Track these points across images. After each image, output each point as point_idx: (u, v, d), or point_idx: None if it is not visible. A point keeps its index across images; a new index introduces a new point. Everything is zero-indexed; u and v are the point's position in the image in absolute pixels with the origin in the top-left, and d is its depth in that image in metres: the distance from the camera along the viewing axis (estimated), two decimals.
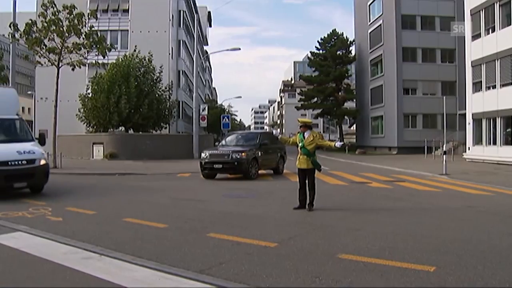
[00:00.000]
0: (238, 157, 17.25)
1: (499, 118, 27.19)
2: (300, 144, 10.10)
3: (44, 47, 22.58)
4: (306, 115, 74.13)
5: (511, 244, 6.89)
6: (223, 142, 20.55)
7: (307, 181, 9.97)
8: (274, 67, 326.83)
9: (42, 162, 12.34)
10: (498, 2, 27.05)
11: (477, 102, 29.46)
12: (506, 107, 26.14)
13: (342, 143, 10.45)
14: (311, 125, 10.46)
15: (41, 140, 13.73)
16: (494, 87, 27.69)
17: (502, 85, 26.82)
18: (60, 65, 23.15)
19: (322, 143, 10.41)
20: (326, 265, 5.62)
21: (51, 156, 22.88)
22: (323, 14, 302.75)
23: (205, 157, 18.00)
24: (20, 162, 11.68)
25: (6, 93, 14.59)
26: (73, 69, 23.61)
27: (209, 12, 76.76)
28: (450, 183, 16.81)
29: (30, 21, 22.54)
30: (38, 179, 12.28)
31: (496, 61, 27.25)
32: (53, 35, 22.43)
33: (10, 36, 23.35)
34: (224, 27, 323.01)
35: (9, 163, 11.42)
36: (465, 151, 31.48)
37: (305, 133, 10.14)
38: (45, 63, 23.39)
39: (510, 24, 26.05)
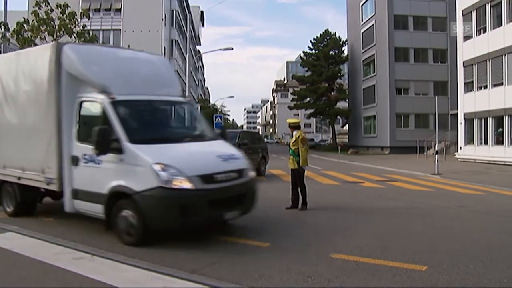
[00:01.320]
0: None
1: (491, 118, 27.36)
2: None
3: (35, 46, 22.46)
4: (298, 115, 74.32)
5: (502, 243, 6.93)
6: None
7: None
8: (267, 67, 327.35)
9: (251, 174, 7.82)
10: (489, 3, 27.22)
11: (469, 102, 29.63)
12: (497, 107, 26.30)
13: (306, 167, 10.21)
14: (297, 125, 10.52)
15: (225, 136, 8.82)
16: (485, 87, 27.86)
17: (494, 85, 26.98)
18: None
19: (300, 149, 10.04)
20: (318, 265, 5.63)
21: None
22: (316, 14, 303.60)
23: None
24: (229, 176, 7.15)
25: (159, 63, 9.38)
26: None
27: (202, 12, 76.69)
28: (442, 182, 16.88)
29: (22, 19, 22.43)
30: (250, 203, 7.64)
31: (488, 61, 27.42)
32: (45, 34, 22.30)
33: (0, 35, 23.07)
34: (217, 27, 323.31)
35: (215, 177, 6.87)
36: (457, 151, 31.64)
37: (294, 133, 10.28)
38: None
39: (501, 25, 26.21)
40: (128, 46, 36.53)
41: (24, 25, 22.31)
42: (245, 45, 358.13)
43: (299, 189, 10.04)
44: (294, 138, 10.17)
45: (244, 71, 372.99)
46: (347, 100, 57.70)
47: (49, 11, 22.11)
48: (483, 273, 5.30)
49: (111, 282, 4.97)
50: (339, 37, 56.70)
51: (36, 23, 21.97)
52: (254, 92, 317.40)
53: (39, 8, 22.04)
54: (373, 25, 48.34)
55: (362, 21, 51.71)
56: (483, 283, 5.02)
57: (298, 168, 10.00)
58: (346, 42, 56.81)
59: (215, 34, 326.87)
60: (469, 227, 8.29)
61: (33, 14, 22.21)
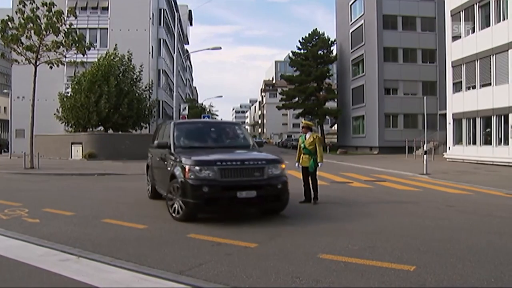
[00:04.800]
0: None
1: (479, 118, 27.60)
2: (302, 145, 11.27)
3: (21, 44, 22.21)
4: (287, 114, 74.38)
5: (490, 242, 6.96)
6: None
7: (310, 178, 11.07)
8: (256, 67, 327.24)
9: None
10: (477, 3, 27.43)
11: (457, 102, 29.86)
12: (485, 107, 26.54)
13: (321, 164, 11.12)
14: (312, 127, 11.71)
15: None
16: (474, 87, 28.11)
17: (482, 86, 27.23)
18: (37, 64, 22.80)
19: (318, 148, 11.07)
20: (306, 265, 5.60)
21: (28, 156, 22.52)
22: (305, 13, 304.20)
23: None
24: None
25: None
26: (51, 68, 23.29)
27: (190, 11, 76.61)
28: (430, 182, 16.97)
29: (7, 17, 22.16)
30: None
31: (476, 61, 27.67)
32: (30, 33, 22.07)
33: None
34: (206, 26, 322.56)
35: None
36: (446, 151, 31.89)
37: (306, 135, 11.27)
38: (22, 61, 22.98)
39: (489, 25, 26.43)
40: (115, 45, 36.58)
41: (9, 23, 22.04)
42: (234, 44, 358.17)
43: (311, 185, 11.06)
44: (311, 139, 11.12)
45: (234, 71, 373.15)
46: (335, 100, 57.95)
47: (35, 9, 21.84)
48: (471, 273, 5.30)
49: (97, 283, 4.90)
50: (328, 36, 56.91)
51: (22, 21, 21.70)
52: (243, 91, 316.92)
53: (23, 6, 21.77)
54: (362, 25, 48.59)
55: (351, 20, 51.95)
56: (470, 282, 5.02)
57: (315, 165, 10.96)
58: (335, 42, 57.03)
59: (204, 33, 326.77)
60: (457, 227, 8.32)
61: (17, 13, 21.92)
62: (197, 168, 8.19)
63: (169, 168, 9.17)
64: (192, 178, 8.16)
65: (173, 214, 8.56)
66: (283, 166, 8.93)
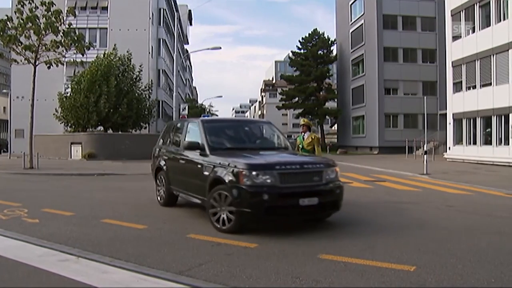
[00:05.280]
0: None
1: (479, 118, 27.59)
2: (300, 145, 11.12)
3: (20, 44, 22.18)
4: (287, 114, 74.36)
5: (490, 242, 6.95)
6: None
7: None
8: (256, 66, 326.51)
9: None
10: (478, 3, 27.43)
11: (458, 102, 29.85)
12: (485, 107, 26.53)
13: None
14: (311, 126, 11.57)
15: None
16: (474, 87, 28.09)
17: (482, 85, 27.21)
18: (37, 64, 22.77)
19: (316, 148, 11.03)
20: (306, 266, 5.60)
21: (28, 156, 22.50)
22: (305, 13, 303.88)
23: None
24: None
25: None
26: (49, 67, 23.21)
27: (190, 11, 76.59)
28: (430, 182, 16.95)
29: (6, 17, 22.13)
30: None
31: (476, 61, 27.65)
32: (30, 33, 22.04)
33: None
34: (206, 26, 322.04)
35: None
36: (446, 151, 31.87)
37: (305, 134, 11.16)
38: (21, 61, 22.96)
39: (489, 25, 26.42)
40: (115, 45, 36.55)
41: (8, 22, 22.01)
42: (234, 44, 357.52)
43: None
44: (310, 139, 10.99)
45: (234, 71, 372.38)
46: (335, 100, 57.92)
47: (34, 9, 21.81)
48: (471, 273, 5.30)
49: (96, 284, 4.89)
50: (328, 36, 56.89)
51: (21, 21, 21.67)
52: (243, 91, 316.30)
53: (22, 5, 21.74)
54: (362, 24, 48.57)
55: (351, 20, 51.94)
56: (471, 282, 5.02)
57: None
58: (335, 42, 57.00)
59: (204, 33, 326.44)
60: (457, 227, 8.30)
61: (16, 12, 21.89)
62: (254, 173, 7.27)
63: (206, 173, 8.12)
64: (249, 185, 7.24)
65: (218, 225, 7.61)
66: (338, 169, 8.29)
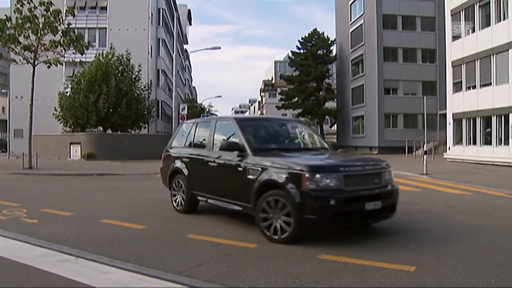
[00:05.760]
0: None
1: (479, 118, 27.59)
2: None
3: (19, 44, 22.15)
4: (287, 115, 74.28)
5: (490, 242, 6.94)
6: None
7: None
8: (256, 66, 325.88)
9: None
10: (478, 3, 27.43)
11: (458, 102, 29.85)
12: (485, 107, 26.53)
13: None
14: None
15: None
16: (474, 87, 28.09)
17: (482, 85, 27.21)
18: (36, 63, 22.75)
19: None
20: (306, 266, 5.59)
21: (27, 156, 22.48)
22: (305, 13, 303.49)
23: None
24: None
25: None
26: (48, 67, 23.20)
27: (189, 10, 76.66)
28: (430, 182, 16.95)
29: (5, 17, 22.11)
30: None
31: (476, 61, 27.65)
32: (28, 32, 22.02)
33: None
34: (206, 25, 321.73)
35: None
36: (446, 151, 31.88)
37: None
38: (20, 61, 22.94)
39: (489, 25, 26.42)
40: (111, 44, 36.54)
41: (7, 22, 21.99)
42: (234, 44, 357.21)
43: None
44: None
45: (233, 70, 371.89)
46: (335, 100, 57.90)
47: (33, 8, 21.79)
48: (471, 273, 5.29)
49: (96, 284, 4.88)
50: (327, 36, 56.83)
51: (20, 21, 21.64)
52: (243, 91, 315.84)
53: (21, 5, 21.72)
54: (361, 24, 48.56)
55: (350, 20, 51.93)
56: (471, 283, 5.01)
57: None
58: (335, 42, 56.98)
59: (204, 33, 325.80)
60: (457, 227, 8.29)
61: (15, 12, 21.87)
62: (318, 175, 6.58)
63: (252, 176, 7.33)
64: (313, 189, 6.53)
65: (270, 234, 6.89)
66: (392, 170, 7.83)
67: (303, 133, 9.45)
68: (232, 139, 8.17)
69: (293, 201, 6.59)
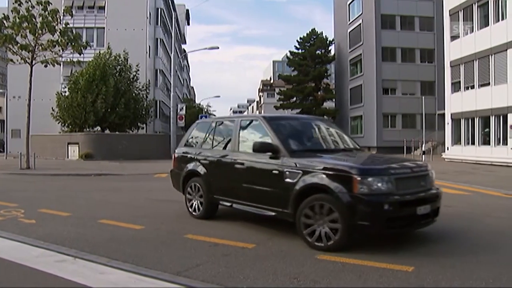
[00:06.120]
0: None
1: (477, 118, 27.62)
2: None
3: (16, 44, 22.09)
4: None
5: (489, 243, 6.94)
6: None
7: None
8: (254, 66, 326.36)
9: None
10: (476, 3, 27.47)
11: (456, 102, 29.89)
12: (484, 107, 26.56)
13: None
14: None
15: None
16: (472, 87, 28.13)
17: (481, 85, 27.25)
18: (33, 63, 22.69)
19: None
20: (304, 266, 5.59)
21: (24, 156, 22.43)
22: (303, 13, 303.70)
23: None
24: None
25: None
26: (45, 66, 23.12)
27: (187, 10, 76.53)
28: None
29: (2, 16, 22.06)
30: None
31: (475, 61, 27.68)
32: (26, 32, 21.96)
33: None
34: (204, 25, 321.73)
35: None
36: (444, 151, 31.89)
37: None
38: (17, 60, 22.87)
39: (488, 25, 26.45)
40: (108, 43, 36.51)
41: (4, 21, 21.94)
42: (232, 43, 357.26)
43: None
44: None
45: (231, 70, 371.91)
46: (333, 100, 57.90)
47: (30, 8, 21.73)
48: (470, 273, 5.29)
49: (93, 284, 4.87)
50: (326, 36, 56.84)
51: (17, 20, 21.58)
52: (241, 91, 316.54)
53: (19, 4, 21.66)
54: (360, 24, 48.58)
55: (349, 20, 51.94)
56: (469, 283, 5.01)
57: None
58: (333, 42, 56.98)
59: (202, 33, 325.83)
60: (455, 227, 8.28)
61: (13, 11, 21.80)
62: (369, 178, 6.16)
63: (289, 180, 6.82)
64: (365, 193, 6.10)
65: (313, 242, 6.40)
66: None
67: (333, 133, 8.83)
68: (263, 140, 7.54)
69: (343, 206, 6.16)
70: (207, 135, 9.21)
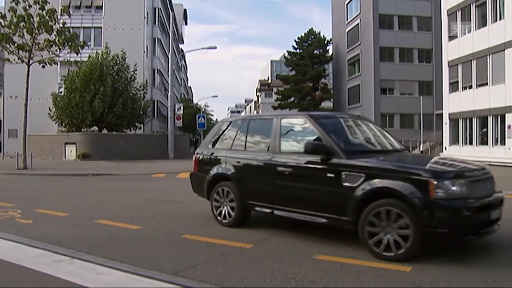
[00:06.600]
0: None
1: (475, 118, 27.67)
2: None
3: (13, 43, 22.03)
4: None
5: (487, 243, 6.91)
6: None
7: None
8: (252, 66, 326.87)
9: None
10: (474, 3, 27.51)
11: (454, 102, 29.93)
12: (482, 107, 26.61)
13: None
14: None
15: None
16: (470, 87, 28.18)
17: (478, 85, 27.30)
18: (30, 63, 22.63)
19: None
20: (302, 266, 5.57)
21: (21, 156, 22.38)
22: (301, 12, 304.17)
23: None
24: None
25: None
26: (43, 67, 23.07)
27: (185, 10, 76.56)
28: None
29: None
30: None
31: (472, 61, 27.73)
32: (23, 32, 21.90)
33: None
34: (202, 25, 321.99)
35: None
36: (442, 151, 31.93)
37: None
38: (14, 60, 22.82)
39: (486, 25, 26.49)
40: (106, 43, 36.45)
41: (1, 20, 21.88)
42: (230, 43, 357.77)
43: None
44: None
45: (229, 70, 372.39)
46: (331, 100, 57.99)
47: (27, 7, 21.67)
48: (468, 273, 5.27)
49: (91, 285, 4.85)
50: (323, 36, 56.97)
51: (15, 19, 21.51)
52: (239, 91, 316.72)
53: (16, 4, 21.59)
54: (358, 24, 48.66)
55: (347, 20, 52.02)
56: (467, 283, 5.00)
57: None
58: (331, 42, 57.05)
59: (200, 32, 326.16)
60: None
61: (10, 11, 21.74)
62: (446, 182, 5.66)
63: (348, 184, 6.19)
64: (443, 198, 5.60)
65: (380, 251, 5.86)
66: None
67: (377, 132, 8.14)
68: (314, 140, 6.85)
69: (418, 212, 5.61)
70: (237, 135, 8.35)
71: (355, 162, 6.28)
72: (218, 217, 8.17)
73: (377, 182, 5.96)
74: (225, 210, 8.05)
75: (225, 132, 8.73)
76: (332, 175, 6.40)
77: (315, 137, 6.89)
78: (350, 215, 6.15)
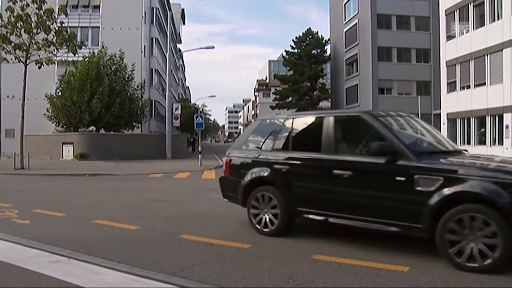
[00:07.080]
0: None
1: (473, 118, 27.73)
2: None
3: (10, 43, 21.97)
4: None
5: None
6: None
7: None
8: (250, 66, 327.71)
9: None
10: (472, 3, 27.56)
11: (452, 102, 29.99)
12: (479, 107, 26.65)
13: None
14: None
15: None
16: (468, 87, 28.23)
17: (476, 85, 27.35)
18: (27, 63, 22.57)
19: None
20: (300, 266, 5.56)
21: (18, 156, 22.33)
22: (299, 12, 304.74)
23: None
24: None
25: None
26: (39, 67, 23.01)
27: (183, 10, 76.53)
28: None
29: None
30: None
31: (470, 61, 27.78)
32: (20, 31, 21.84)
33: None
34: (200, 24, 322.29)
35: None
36: None
37: None
38: (11, 60, 22.76)
39: (483, 25, 26.53)
40: (103, 43, 36.39)
41: None
42: (229, 43, 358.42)
43: None
44: None
45: (227, 70, 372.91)
46: (329, 99, 58.02)
47: (25, 6, 21.61)
48: (465, 273, 5.27)
49: (88, 285, 4.83)
50: (321, 36, 57.06)
51: (12, 19, 21.46)
52: (237, 91, 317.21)
53: (13, 3, 21.54)
54: (356, 24, 48.68)
55: (345, 20, 52.04)
56: (465, 283, 5.00)
57: None
58: (329, 41, 57.09)
59: (198, 32, 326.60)
60: None
61: (7, 10, 21.68)
62: None
63: (422, 188, 5.65)
64: None
65: (463, 262, 5.36)
66: None
67: (434, 132, 7.59)
68: (378, 141, 6.22)
69: (509, 218, 5.09)
70: (279, 135, 7.62)
71: (431, 164, 5.81)
72: (257, 225, 7.43)
73: (458, 186, 5.45)
74: (265, 218, 7.32)
75: (263, 132, 8.02)
76: (402, 178, 5.87)
77: (376, 137, 6.34)
78: (424, 222, 5.65)
